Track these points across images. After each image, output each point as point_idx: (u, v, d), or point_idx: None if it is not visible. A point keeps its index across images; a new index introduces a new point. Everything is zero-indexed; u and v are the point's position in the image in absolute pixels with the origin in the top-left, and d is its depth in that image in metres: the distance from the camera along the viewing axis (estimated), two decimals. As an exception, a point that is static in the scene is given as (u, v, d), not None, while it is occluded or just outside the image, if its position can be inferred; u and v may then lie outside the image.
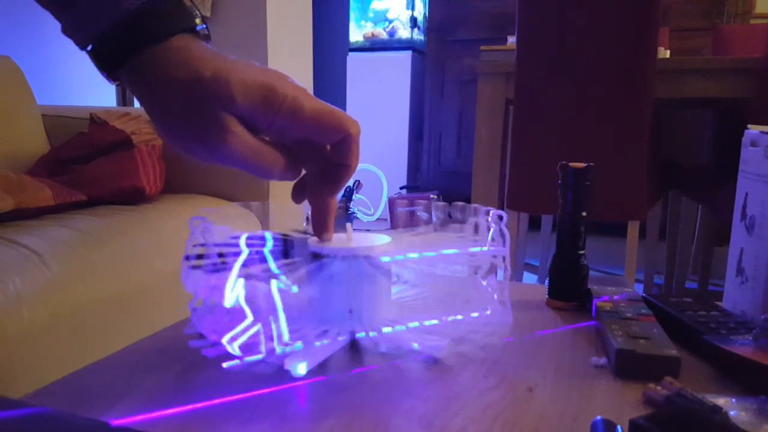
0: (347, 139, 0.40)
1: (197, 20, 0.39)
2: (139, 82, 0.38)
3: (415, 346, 0.43)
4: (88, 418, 0.30)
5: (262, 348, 0.38)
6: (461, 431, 0.34)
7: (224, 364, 0.38)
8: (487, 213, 0.47)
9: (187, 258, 0.42)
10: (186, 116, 0.37)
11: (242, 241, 0.38)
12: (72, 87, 2.32)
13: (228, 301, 0.38)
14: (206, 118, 0.36)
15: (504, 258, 0.46)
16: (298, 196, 0.45)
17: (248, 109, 0.37)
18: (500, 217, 0.46)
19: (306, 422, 0.35)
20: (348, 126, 0.39)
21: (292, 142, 0.41)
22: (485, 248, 0.46)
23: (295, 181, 0.44)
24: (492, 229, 0.46)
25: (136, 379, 0.41)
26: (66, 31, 0.39)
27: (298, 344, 0.39)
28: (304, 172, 0.44)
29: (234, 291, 0.38)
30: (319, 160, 0.42)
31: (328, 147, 0.41)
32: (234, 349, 0.38)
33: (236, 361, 0.38)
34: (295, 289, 0.39)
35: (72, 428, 0.28)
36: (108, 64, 0.38)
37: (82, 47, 0.38)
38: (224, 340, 0.38)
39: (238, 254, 0.40)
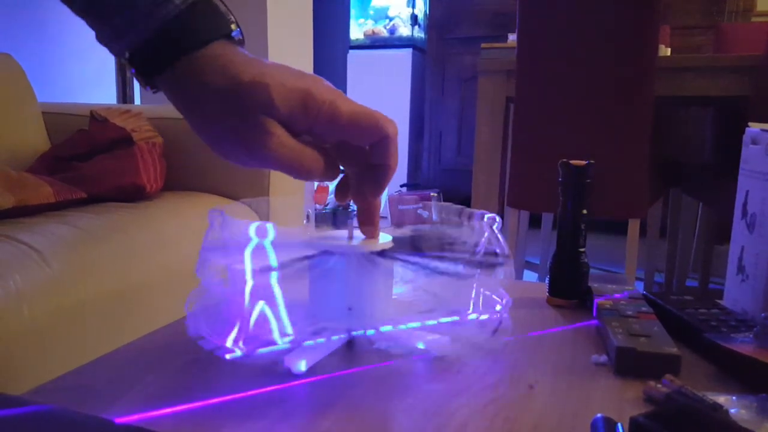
0: (385, 140, 0.40)
1: (233, 26, 0.39)
2: (177, 89, 0.38)
3: (420, 343, 0.43)
4: (93, 416, 0.30)
5: (276, 337, 0.38)
6: (462, 428, 0.34)
7: (227, 356, 0.38)
8: (482, 217, 0.47)
9: (205, 248, 0.42)
10: (227, 122, 0.37)
11: (251, 231, 0.38)
12: (72, 84, 2.32)
13: (247, 298, 0.38)
14: (247, 123, 0.36)
15: (506, 257, 0.46)
16: (341, 196, 0.45)
17: (287, 114, 0.37)
18: (494, 221, 0.46)
19: (306, 419, 0.35)
20: (385, 127, 0.40)
21: (330, 145, 0.41)
22: (485, 248, 0.46)
23: (336, 183, 0.45)
24: (486, 233, 0.46)
25: (136, 376, 0.41)
26: (102, 40, 0.39)
27: (304, 333, 0.39)
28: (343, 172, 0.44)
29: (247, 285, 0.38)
30: (359, 161, 0.42)
31: (367, 148, 0.41)
32: (240, 347, 0.38)
33: (238, 352, 0.38)
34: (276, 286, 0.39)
35: (76, 426, 0.28)
36: (145, 72, 0.38)
37: (119, 56, 0.39)
38: (229, 341, 0.38)
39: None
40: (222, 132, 0.38)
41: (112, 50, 0.39)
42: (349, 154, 0.42)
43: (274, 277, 0.39)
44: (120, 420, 0.33)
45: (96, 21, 0.38)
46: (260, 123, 0.36)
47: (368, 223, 0.44)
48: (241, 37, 0.40)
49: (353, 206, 0.44)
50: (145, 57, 0.38)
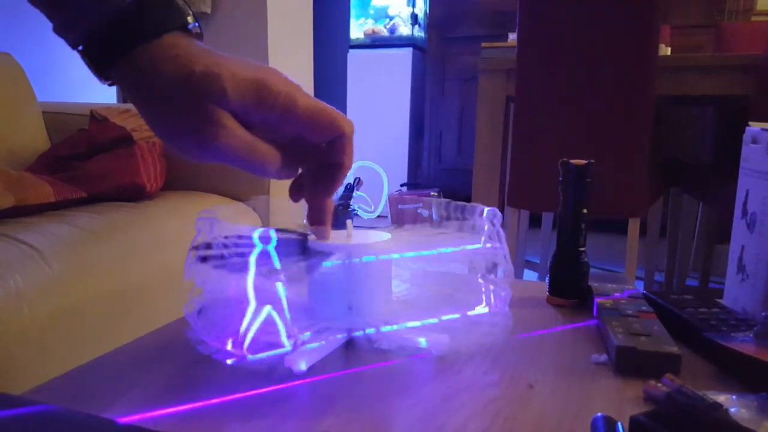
0: (341, 138, 0.40)
1: (189, 18, 0.38)
2: (130, 80, 0.38)
3: (420, 342, 0.43)
4: (95, 416, 0.30)
5: (284, 340, 0.38)
6: (462, 427, 0.34)
7: (228, 361, 0.38)
8: (482, 213, 0.47)
9: (195, 249, 0.42)
10: (178, 113, 0.36)
11: (255, 236, 0.38)
12: (72, 84, 2.32)
13: (251, 300, 0.38)
14: (197, 114, 0.36)
15: (504, 255, 0.46)
16: (295, 194, 0.45)
17: (240, 105, 0.36)
18: (495, 216, 0.46)
19: (306, 419, 0.35)
20: (342, 125, 0.39)
21: (286, 141, 0.41)
22: (484, 246, 0.46)
23: (291, 181, 0.44)
24: (487, 228, 0.46)
25: (136, 376, 0.41)
26: (57, 30, 0.39)
27: (307, 334, 0.39)
28: (300, 171, 0.44)
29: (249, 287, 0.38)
30: (315, 160, 0.42)
31: (323, 146, 0.41)
32: (242, 349, 0.38)
33: (240, 360, 0.38)
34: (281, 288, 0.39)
35: (79, 426, 0.28)
36: (100, 63, 0.38)
37: (74, 47, 0.38)
38: (228, 345, 0.38)
39: (243, 250, 0.40)
40: (174, 124, 0.37)
41: (67, 41, 0.38)
42: (305, 152, 0.42)
43: (279, 283, 0.39)
44: (121, 420, 0.33)
45: (49, 10, 0.38)
46: (210, 114, 0.36)
47: (319, 222, 0.43)
48: (199, 31, 0.39)
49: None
50: (98, 48, 0.37)
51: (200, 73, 0.36)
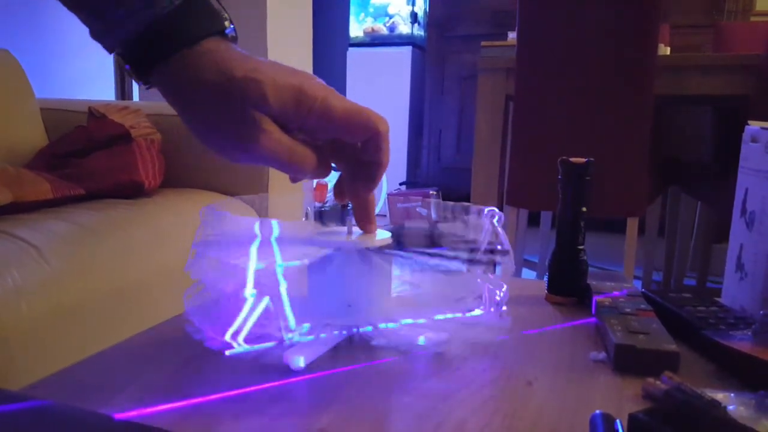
0: (376, 137, 0.40)
1: (226, 23, 0.39)
2: (170, 85, 0.38)
3: (419, 340, 0.43)
4: (91, 411, 0.30)
5: (283, 332, 0.38)
6: (461, 424, 0.34)
7: (227, 352, 0.38)
8: (481, 212, 0.47)
9: (198, 244, 0.42)
10: (219, 117, 0.37)
11: (256, 227, 0.38)
12: (71, 80, 2.32)
13: (248, 291, 0.38)
14: (239, 118, 0.36)
15: (506, 253, 0.46)
16: (339, 195, 0.45)
17: (280, 110, 0.37)
18: (494, 214, 0.46)
19: (305, 415, 0.35)
20: (377, 124, 0.40)
21: (322, 141, 0.41)
22: (485, 244, 0.46)
23: (335, 183, 0.45)
24: (485, 228, 0.46)
25: (134, 372, 0.41)
26: (95, 35, 0.39)
27: (306, 326, 0.39)
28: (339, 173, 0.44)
29: (249, 280, 0.38)
30: (351, 159, 0.42)
31: (359, 145, 0.42)
32: (240, 342, 0.38)
33: (238, 348, 0.38)
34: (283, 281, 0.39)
35: (75, 421, 0.28)
36: (139, 68, 0.38)
37: (110, 51, 0.39)
38: (228, 336, 0.38)
39: (248, 242, 0.40)
40: (214, 127, 0.38)
41: (104, 45, 0.39)
42: (341, 152, 0.42)
43: (278, 271, 0.39)
44: (119, 416, 0.33)
45: (89, 16, 0.38)
46: (252, 118, 0.36)
47: (365, 219, 0.44)
48: (234, 35, 0.40)
49: (351, 204, 0.44)
50: (138, 52, 0.38)
51: (241, 79, 0.36)
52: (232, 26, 0.40)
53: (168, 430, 0.29)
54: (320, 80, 0.39)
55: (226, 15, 0.39)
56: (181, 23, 0.37)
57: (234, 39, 0.40)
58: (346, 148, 0.42)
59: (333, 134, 0.40)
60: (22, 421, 0.27)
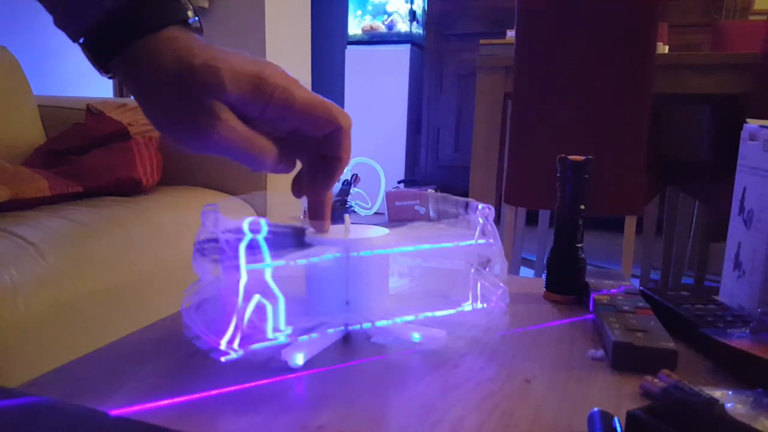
0: (338, 132, 0.40)
1: (189, 12, 0.39)
2: (130, 73, 0.38)
3: (417, 337, 0.43)
4: (87, 408, 0.30)
5: (269, 333, 0.38)
6: (459, 421, 0.34)
7: (222, 359, 0.38)
8: (475, 209, 0.47)
9: (198, 244, 0.42)
10: (176, 106, 0.37)
11: (245, 226, 0.38)
12: (69, 77, 2.31)
13: (240, 292, 0.38)
14: (196, 107, 0.36)
15: (499, 251, 0.46)
16: (297, 190, 0.45)
17: (238, 98, 0.37)
18: (488, 211, 0.46)
19: (303, 413, 0.35)
20: (339, 118, 0.40)
21: (284, 134, 0.41)
22: (479, 242, 0.46)
23: (293, 177, 0.44)
24: (480, 225, 0.46)
25: (131, 370, 0.41)
26: (58, 23, 0.39)
27: (289, 329, 0.39)
28: (299, 165, 0.44)
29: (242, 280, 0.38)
30: (313, 154, 0.42)
31: (321, 139, 0.41)
32: (235, 348, 0.37)
33: (233, 354, 0.38)
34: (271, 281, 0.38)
35: (71, 418, 0.28)
36: (100, 56, 0.38)
37: (74, 40, 0.39)
38: (223, 343, 0.37)
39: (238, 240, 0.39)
40: (172, 116, 0.37)
41: (68, 34, 0.39)
42: (304, 146, 0.42)
43: (268, 273, 0.38)
44: (114, 412, 0.33)
45: (49, 4, 0.38)
46: (209, 106, 0.36)
47: (319, 216, 0.43)
48: (198, 25, 0.39)
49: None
50: (99, 40, 0.38)
51: (199, 67, 0.36)
52: (196, 17, 0.39)
53: (164, 427, 0.28)
54: (283, 69, 0.39)
55: (189, 5, 0.39)
56: (142, 11, 0.37)
57: (198, 30, 0.39)
58: (308, 142, 0.41)
59: (294, 125, 0.39)
60: (17, 418, 0.27)
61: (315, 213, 0.43)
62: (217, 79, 0.36)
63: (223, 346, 0.37)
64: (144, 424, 0.29)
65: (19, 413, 0.27)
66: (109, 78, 0.40)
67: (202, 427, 0.33)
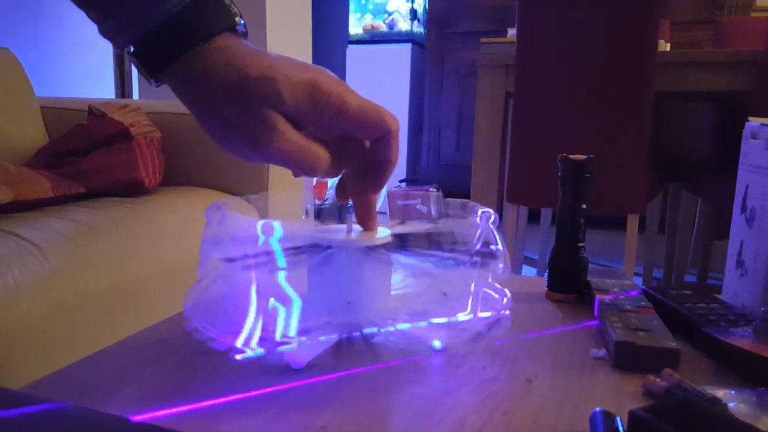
0: (387, 135, 0.40)
1: (237, 18, 0.38)
2: (182, 83, 0.38)
3: (422, 338, 0.43)
4: (108, 414, 0.30)
5: (293, 334, 0.38)
6: (461, 421, 0.34)
7: (237, 357, 0.38)
8: (477, 211, 0.47)
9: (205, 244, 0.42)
10: (233, 116, 0.36)
11: (258, 228, 0.38)
12: (70, 79, 2.31)
13: (253, 293, 0.38)
14: (253, 118, 0.36)
15: (502, 252, 0.46)
16: (342, 195, 0.45)
17: (295, 107, 0.36)
18: (490, 216, 0.46)
19: (305, 414, 0.35)
20: (389, 122, 0.39)
21: (332, 139, 0.41)
22: (480, 244, 0.46)
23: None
24: (481, 228, 0.46)
25: (135, 371, 0.41)
26: (105, 33, 0.38)
27: (302, 338, 0.39)
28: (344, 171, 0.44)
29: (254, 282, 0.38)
30: (360, 157, 0.42)
31: (368, 143, 0.41)
32: (253, 347, 0.37)
33: (249, 353, 0.38)
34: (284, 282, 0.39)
35: (91, 424, 0.28)
36: (151, 66, 0.38)
37: (122, 49, 0.38)
38: (239, 342, 0.37)
39: (251, 243, 0.39)
40: (227, 126, 0.37)
41: (115, 44, 0.38)
42: (349, 149, 0.42)
43: (281, 275, 0.38)
44: (136, 419, 0.33)
45: (98, 13, 0.38)
46: (266, 118, 0.36)
47: (367, 218, 0.43)
48: (245, 30, 0.39)
49: (351, 202, 0.44)
50: (149, 50, 0.37)
51: (255, 78, 0.36)
52: (242, 22, 0.39)
53: (168, 428, 0.29)
54: (333, 75, 0.38)
55: (236, 10, 0.39)
56: (193, 20, 0.36)
57: (244, 35, 0.39)
58: (353, 146, 0.41)
59: (345, 131, 0.39)
60: (40, 424, 0.27)
61: (363, 215, 0.43)
62: (274, 91, 0.35)
63: (239, 344, 0.37)
64: (161, 429, 0.28)
65: (41, 419, 0.27)
66: (158, 86, 0.39)
67: (205, 428, 0.33)
